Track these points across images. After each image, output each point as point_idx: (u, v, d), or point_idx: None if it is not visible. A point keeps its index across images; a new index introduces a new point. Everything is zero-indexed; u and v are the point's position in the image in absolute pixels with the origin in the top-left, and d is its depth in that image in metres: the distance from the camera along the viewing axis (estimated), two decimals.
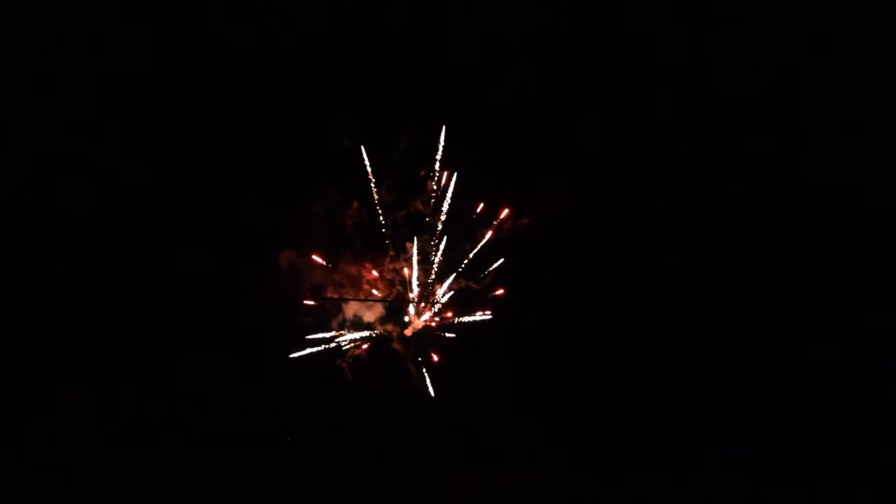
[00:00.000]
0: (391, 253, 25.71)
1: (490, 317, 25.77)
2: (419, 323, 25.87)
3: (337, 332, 25.59)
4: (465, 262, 25.78)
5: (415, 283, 25.66)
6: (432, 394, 25.65)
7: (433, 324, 26.00)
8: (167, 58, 24.61)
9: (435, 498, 24.75)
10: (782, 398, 24.76)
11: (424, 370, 25.74)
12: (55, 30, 23.91)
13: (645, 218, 25.78)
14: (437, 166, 25.26)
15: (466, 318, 25.91)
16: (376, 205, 25.42)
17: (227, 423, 24.94)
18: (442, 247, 25.67)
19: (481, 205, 25.63)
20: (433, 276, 25.83)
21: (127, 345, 24.94)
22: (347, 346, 25.72)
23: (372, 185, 25.19)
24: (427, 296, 25.83)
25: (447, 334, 25.89)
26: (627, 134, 25.56)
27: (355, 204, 25.32)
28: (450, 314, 25.92)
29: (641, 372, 25.49)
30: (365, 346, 25.85)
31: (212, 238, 24.82)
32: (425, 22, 24.45)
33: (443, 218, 25.55)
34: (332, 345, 25.49)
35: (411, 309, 25.87)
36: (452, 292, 25.93)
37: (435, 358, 25.87)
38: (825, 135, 23.63)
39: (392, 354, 25.99)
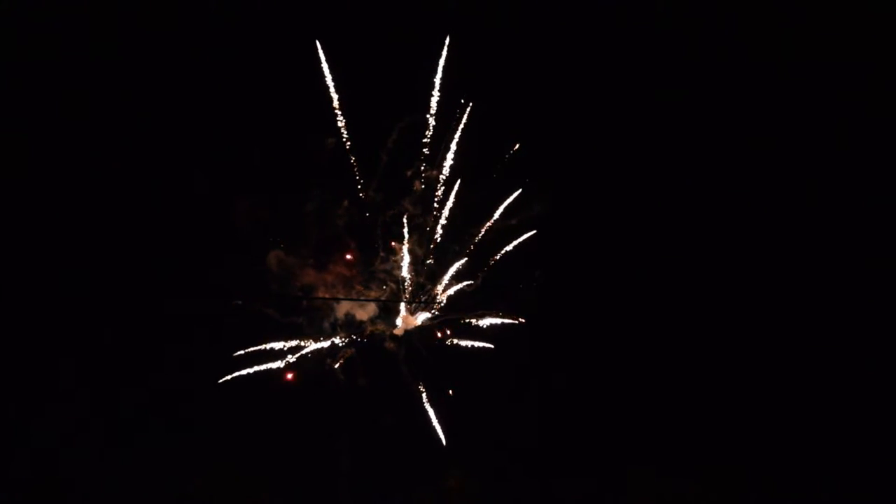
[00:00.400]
0: (381, 253, 25.42)
1: (521, 322, 25.06)
2: (413, 320, 25.57)
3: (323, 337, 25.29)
4: (488, 224, 24.94)
5: (406, 266, 25.22)
6: (444, 441, 24.89)
7: (440, 334, 25.36)
8: (159, 59, 24.49)
9: (434, 498, 24.70)
10: (784, 397, 24.51)
11: (429, 405, 24.87)
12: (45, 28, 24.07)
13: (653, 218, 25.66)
14: (438, 78, 24.25)
15: (488, 321, 25.12)
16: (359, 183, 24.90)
17: (224, 424, 24.81)
18: (447, 209, 24.95)
19: (517, 145, 24.82)
20: (432, 251, 25.31)
21: (120, 344, 24.96)
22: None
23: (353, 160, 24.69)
24: (423, 291, 25.52)
25: (475, 343, 25.15)
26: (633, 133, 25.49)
27: (345, 202, 25.12)
28: (470, 319, 25.29)
29: (642, 373, 25.26)
30: (337, 363, 25.30)
31: (201, 237, 24.80)
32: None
33: (450, 161, 24.82)
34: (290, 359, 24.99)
35: (402, 308, 25.49)
36: (460, 285, 25.29)
37: (450, 392, 25.09)
38: (825, 135, 23.31)
39: (385, 353, 25.68)
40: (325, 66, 23.94)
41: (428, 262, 25.22)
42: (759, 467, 24.15)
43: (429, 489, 24.67)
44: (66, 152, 24.57)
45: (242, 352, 24.49)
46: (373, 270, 25.43)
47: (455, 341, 25.19)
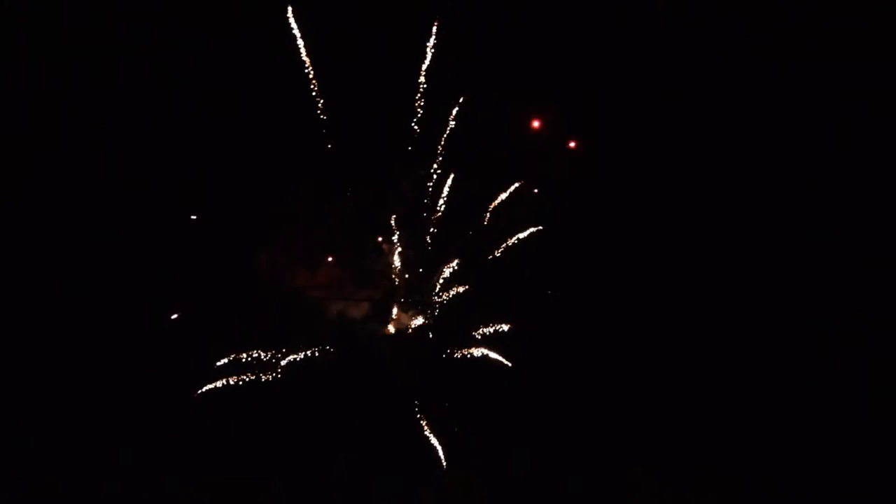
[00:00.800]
0: (372, 254, 25.07)
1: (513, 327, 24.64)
2: (406, 320, 25.37)
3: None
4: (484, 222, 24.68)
5: (397, 264, 24.96)
6: (444, 465, 24.52)
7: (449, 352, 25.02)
8: (146, 60, 24.30)
9: (434, 498, 24.82)
10: (782, 398, 24.32)
11: (432, 436, 24.48)
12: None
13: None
14: (429, 51, 23.69)
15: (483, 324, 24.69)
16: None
17: (219, 426, 24.76)
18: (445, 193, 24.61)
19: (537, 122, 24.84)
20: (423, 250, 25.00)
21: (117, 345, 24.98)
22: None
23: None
24: (416, 291, 25.31)
25: (474, 351, 24.81)
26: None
27: (336, 200, 24.78)
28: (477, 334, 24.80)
29: (642, 373, 25.04)
30: (329, 363, 25.07)
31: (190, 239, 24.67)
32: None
33: (442, 156, 24.39)
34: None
35: (395, 308, 25.30)
36: (459, 289, 24.86)
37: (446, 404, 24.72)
38: (825, 135, 22.99)
39: (378, 354, 25.52)
40: (307, 62, 23.68)
41: (421, 261, 25.07)
42: (757, 468, 24.18)
43: (429, 489, 24.74)
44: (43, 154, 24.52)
45: (230, 358, 24.36)
46: (364, 269, 25.20)
47: (452, 350, 24.98)
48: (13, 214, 24.31)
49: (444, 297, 25.05)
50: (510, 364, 24.50)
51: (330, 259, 25.06)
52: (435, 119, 24.30)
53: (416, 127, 24.13)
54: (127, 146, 24.53)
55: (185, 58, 24.23)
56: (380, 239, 24.87)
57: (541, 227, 24.60)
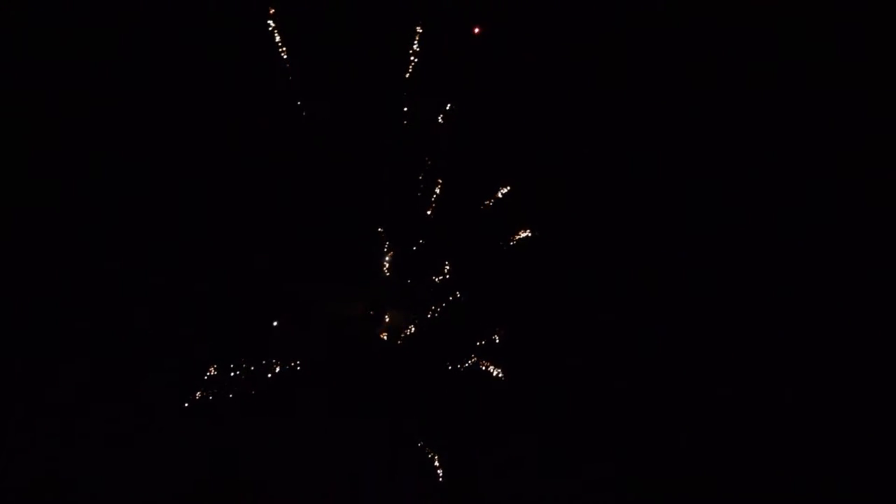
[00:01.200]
0: (366, 252, 24.89)
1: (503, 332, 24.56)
2: (400, 320, 25.26)
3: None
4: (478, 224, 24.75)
5: (389, 265, 24.87)
6: (440, 477, 24.29)
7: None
8: (138, 60, 24.03)
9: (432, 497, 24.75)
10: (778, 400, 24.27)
11: (428, 442, 24.28)
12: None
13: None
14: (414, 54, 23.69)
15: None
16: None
17: (213, 430, 24.62)
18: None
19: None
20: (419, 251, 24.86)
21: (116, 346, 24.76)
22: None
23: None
24: (411, 292, 25.22)
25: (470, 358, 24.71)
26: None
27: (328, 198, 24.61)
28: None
29: (641, 379, 24.82)
30: (322, 364, 24.88)
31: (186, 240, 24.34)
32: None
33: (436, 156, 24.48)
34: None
35: (388, 310, 25.08)
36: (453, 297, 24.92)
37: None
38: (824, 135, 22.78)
39: (372, 355, 25.19)
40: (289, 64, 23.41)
41: (414, 266, 24.91)
42: (751, 469, 24.16)
43: (426, 496, 24.53)
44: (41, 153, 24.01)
45: (218, 365, 24.20)
46: (357, 274, 25.01)
47: (446, 356, 24.81)
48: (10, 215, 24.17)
49: (439, 302, 24.97)
50: (503, 375, 24.43)
51: (321, 263, 24.98)
52: (431, 119, 24.18)
53: (408, 128, 24.02)
54: (114, 149, 24.32)
55: (170, 57, 23.92)
56: (372, 243, 24.70)
57: (538, 232, 24.51)
